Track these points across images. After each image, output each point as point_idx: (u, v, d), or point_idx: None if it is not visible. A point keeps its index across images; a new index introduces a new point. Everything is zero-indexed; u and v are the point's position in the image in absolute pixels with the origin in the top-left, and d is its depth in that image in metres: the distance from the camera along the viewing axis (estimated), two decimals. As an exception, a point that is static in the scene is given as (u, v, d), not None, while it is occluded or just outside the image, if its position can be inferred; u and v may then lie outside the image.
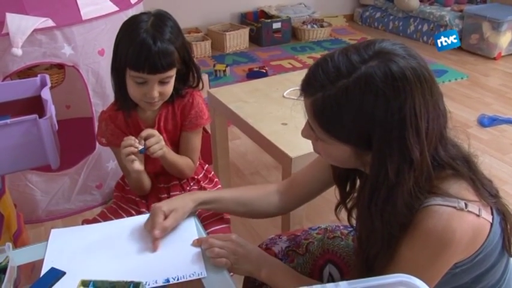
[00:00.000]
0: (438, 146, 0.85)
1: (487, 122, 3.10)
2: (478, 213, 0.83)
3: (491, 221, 0.87)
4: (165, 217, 1.11)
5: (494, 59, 4.19)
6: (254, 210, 1.24)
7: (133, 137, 1.26)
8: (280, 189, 1.25)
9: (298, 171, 1.27)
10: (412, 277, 0.67)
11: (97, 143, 2.15)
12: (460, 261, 0.87)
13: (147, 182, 1.42)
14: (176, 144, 1.46)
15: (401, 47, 0.83)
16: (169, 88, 1.30)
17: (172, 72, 1.28)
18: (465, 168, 0.87)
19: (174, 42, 1.25)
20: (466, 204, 0.82)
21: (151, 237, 1.09)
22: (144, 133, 1.27)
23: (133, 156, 1.24)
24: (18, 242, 1.62)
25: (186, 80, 1.40)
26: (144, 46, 1.20)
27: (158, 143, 1.28)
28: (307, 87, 0.86)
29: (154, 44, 1.20)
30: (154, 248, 1.08)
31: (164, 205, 1.13)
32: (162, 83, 1.27)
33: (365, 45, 0.83)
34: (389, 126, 0.79)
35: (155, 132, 1.29)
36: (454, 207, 0.81)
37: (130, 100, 1.33)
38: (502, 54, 4.22)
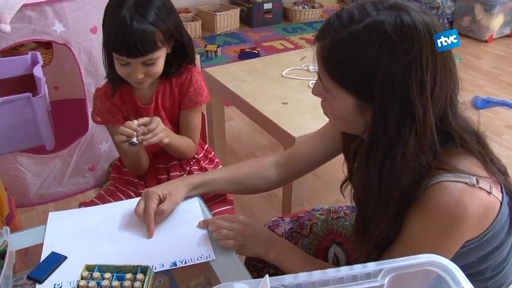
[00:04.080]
0: (447, 110, 0.83)
1: (481, 104, 3.10)
2: (489, 190, 0.82)
3: (501, 199, 0.85)
4: (160, 201, 1.08)
5: (486, 41, 4.19)
6: (250, 187, 1.22)
7: (134, 125, 1.18)
8: (279, 161, 1.22)
9: (298, 144, 1.24)
10: (440, 257, 0.65)
11: (90, 124, 2.10)
12: (469, 239, 0.85)
13: (144, 160, 1.38)
14: (175, 123, 1.41)
15: (417, 6, 0.82)
16: (155, 69, 1.24)
17: (156, 55, 1.21)
18: (475, 143, 0.86)
19: (158, 23, 1.18)
20: (477, 181, 0.81)
21: (146, 222, 1.04)
22: (151, 124, 1.21)
23: (126, 145, 1.18)
24: (10, 226, 1.55)
25: (181, 59, 1.34)
26: (121, 28, 1.14)
27: (157, 135, 1.20)
28: (321, 32, 0.85)
29: (131, 26, 1.14)
30: (150, 235, 1.03)
31: (158, 189, 1.09)
32: (147, 64, 1.22)
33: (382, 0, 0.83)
34: (393, 71, 0.77)
35: (157, 121, 1.22)
36: (466, 183, 0.80)
37: (120, 77, 1.28)
38: (494, 36, 4.21)
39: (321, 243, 1.18)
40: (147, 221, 1.04)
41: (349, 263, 1.14)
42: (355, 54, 0.79)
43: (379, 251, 0.90)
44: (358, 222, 0.95)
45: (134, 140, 1.18)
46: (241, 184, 1.20)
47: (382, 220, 0.86)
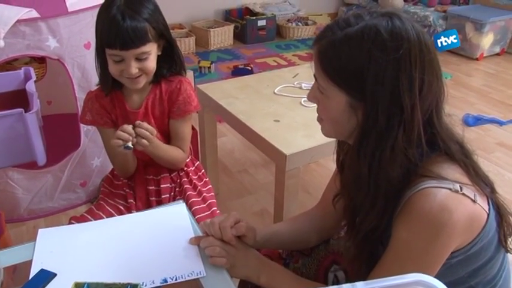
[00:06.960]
0: (433, 112, 0.87)
1: (472, 121, 3.13)
2: (473, 198, 0.84)
3: (487, 211, 0.87)
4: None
5: (477, 59, 4.25)
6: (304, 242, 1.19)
7: (130, 129, 1.22)
8: (320, 212, 1.20)
9: (324, 191, 1.22)
10: (428, 276, 0.64)
11: (82, 140, 2.10)
12: (456, 249, 0.86)
13: (132, 163, 1.42)
14: (164, 133, 1.43)
15: (408, 16, 0.89)
16: (149, 64, 1.27)
17: (148, 48, 1.24)
18: (458, 151, 0.89)
19: (148, 19, 1.23)
20: (460, 187, 0.83)
21: (225, 234, 1.02)
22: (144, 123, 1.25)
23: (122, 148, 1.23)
24: (-1, 242, 1.55)
25: (170, 62, 1.37)
26: (113, 22, 1.19)
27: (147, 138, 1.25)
28: (319, 36, 0.91)
29: (123, 19, 1.19)
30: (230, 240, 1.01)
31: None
32: (140, 59, 1.25)
33: (378, 9, 0.90)
34: (384, 65, 0.82)
35: (149, 128, 1.26)
36: (449, 189, 0.82)
37: (113, 81, 1.31)
38: (484, 55, 4.28)
39: (321, 263, 1.17)
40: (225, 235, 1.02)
41: (349, 284, 1.13)
42: (349, 50, 0.84)
43: (368, 247, 0.93)
44: (346, 215, 1.00)
45: (129, 144, 1.22)
46: (302, 242, 1.18)
47: (369, 212, 0.89)
